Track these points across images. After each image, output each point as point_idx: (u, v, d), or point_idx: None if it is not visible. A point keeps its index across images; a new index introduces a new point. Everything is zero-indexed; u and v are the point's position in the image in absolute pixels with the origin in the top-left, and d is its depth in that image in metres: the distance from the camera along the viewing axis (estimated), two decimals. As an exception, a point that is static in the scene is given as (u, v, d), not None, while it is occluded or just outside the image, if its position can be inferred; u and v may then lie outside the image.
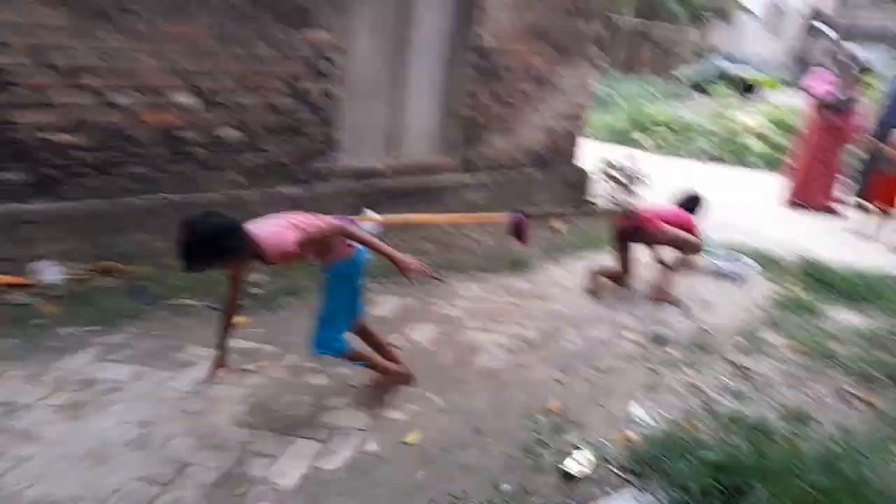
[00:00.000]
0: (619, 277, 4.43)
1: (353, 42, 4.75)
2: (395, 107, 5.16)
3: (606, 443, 2.72)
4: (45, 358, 2.97)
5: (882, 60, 18.83)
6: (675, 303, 4.24)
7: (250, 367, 3.07)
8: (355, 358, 2.82)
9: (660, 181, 6.71)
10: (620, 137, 11.03)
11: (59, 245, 3.79)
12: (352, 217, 2.91)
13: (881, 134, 6.86)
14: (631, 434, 2.78)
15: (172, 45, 3.91)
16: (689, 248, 4.27)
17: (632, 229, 4.30)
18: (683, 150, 10.11)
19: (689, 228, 4.33)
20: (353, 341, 2.85)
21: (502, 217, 4.50)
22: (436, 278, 3.53)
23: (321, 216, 2.63)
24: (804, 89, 7.50)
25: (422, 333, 3.60)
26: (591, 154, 6.77)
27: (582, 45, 5.85)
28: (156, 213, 4.08)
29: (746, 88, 14.74)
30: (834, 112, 6.98)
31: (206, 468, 2.36)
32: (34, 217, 3.71)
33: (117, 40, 3.74)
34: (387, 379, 2.99)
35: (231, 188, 4.39)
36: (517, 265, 4.73)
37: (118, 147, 3.91)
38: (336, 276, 2.68)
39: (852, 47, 7.74)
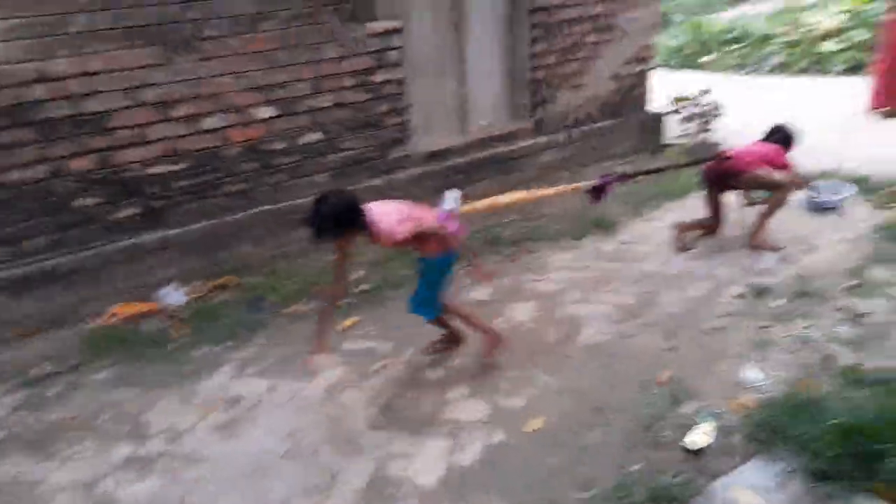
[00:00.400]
0: (711, 227, 4.35)
1: (412, 24, 4.75)
2: (460, 81, 5.16)
3: (725, 411, 2.78)
4: (190, 380, 3.28)
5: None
6: (774, 248, 4.15)
7: (374, 367, 3.29)
8: (442, 325, 3.27)
9: (738, 108, 6.44)
10: (686, 60, 10.53)
11: (174, 269, 4.12)
12: (448, 208, 3.05)
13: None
14: (749, 398, 2.82)
15: (248, 62, 4.06)
16: (787, 189, 4.14)
17: (724, 175, 4.18)
18: (757, 66, 9.54)
19: (783, 165, 4.17)
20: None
21: (582, 186, 4.45)
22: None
23: (428, 210, 2.96)
24: None
25: (523, 313, 3.71)
26: (659, 88, 6.51)
27: (642, -19, 5.61)
28: (255, 226, 4.33)
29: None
30: None
31: (354, 473, 2.59)
32: (149, 247, 4.02)
33: (198, 67, 3.91)
34: (486, 348, 3.24)
35: (320, 189, 4.55)
36: (602, 225, 4.75)
37: (214, 169, 4.14)
38: (429, 266, 3.02)
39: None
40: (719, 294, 3.73)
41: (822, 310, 3.46)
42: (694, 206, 4.58)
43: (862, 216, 4.51)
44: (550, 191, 4.41)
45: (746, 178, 4.12)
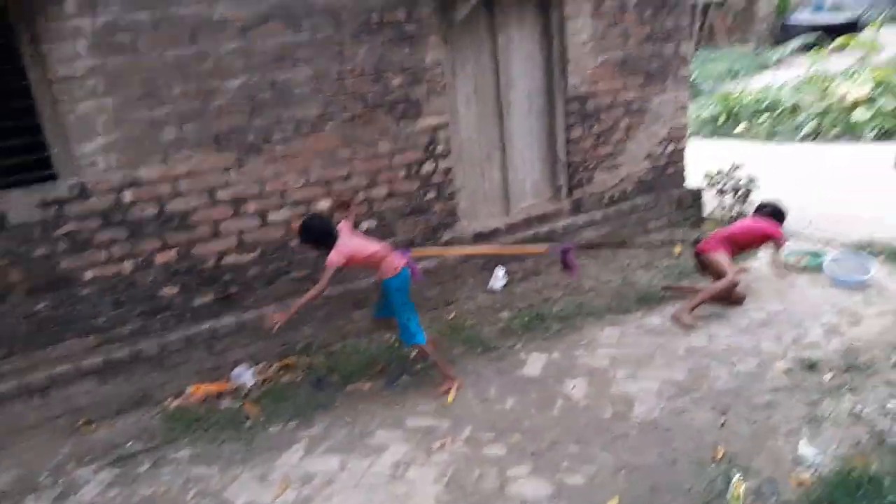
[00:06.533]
0: (727, 296, 4.60)
1: (459, 117, 5.15)
2: (503, 167, 5.50)
3: (780, 487, 2.87)
4: (265, 458, 3.51)
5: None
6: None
7: (435, 445, 3.46)
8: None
9: (774, 177, 6.62)
10: (718, 130, 10.81)
11: (246, 350, 4.42)
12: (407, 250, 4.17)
13: None
14: (804, 475, 2.91)
15: (311, 160, 4.45)
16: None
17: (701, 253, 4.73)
18: (789, 134, 9.76)
19: (763, 238, 4.68)
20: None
21: (543, 249, 4.92)
22: None
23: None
24: None
25: (576, 389, 3.87)
26: (694, 158, 6.71)
27: (671, 66, 5.95)
28: (318, 308, 4.61)
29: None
30: None
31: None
32: (225, 331, 4.34)
33: (266, 167, 4.31)
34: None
35: (376, 272, 4.87)
36: (646, 300, 4.90)
37: (281, 258, 4.48)
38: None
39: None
40: (767, 369, 3.84)
41: (872, 384, 3.54)
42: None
43: (903, 288, 4.60)
44: (503, 250, 5.03)
45: (703, 259, 4.68)
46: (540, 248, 4.98)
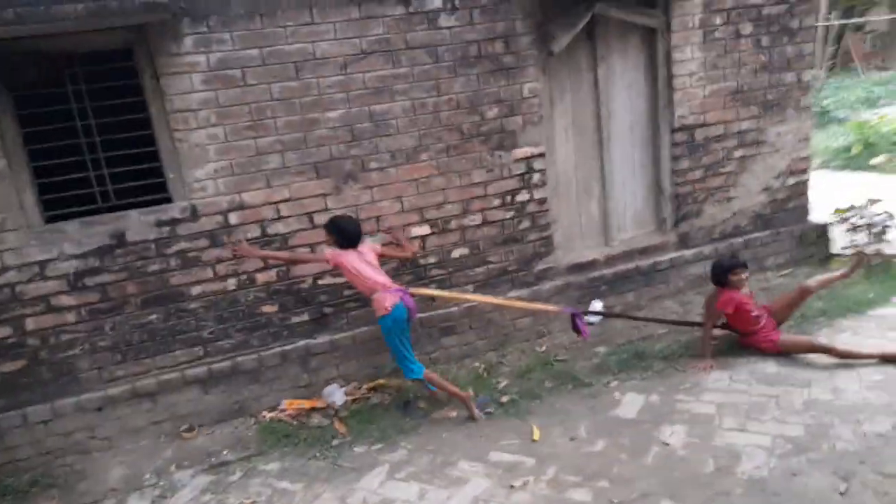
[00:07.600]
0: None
1: (556, 147, 5.04)
2: (602, 197, 5.30)
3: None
4: (347, 479, 3.52)
5: None
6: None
7: (516, 483, 3.31)
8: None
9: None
10: (852, 162, 9.90)
11: (338, 370, 4.50)
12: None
13: None
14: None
15: (406, 188, 4.51)
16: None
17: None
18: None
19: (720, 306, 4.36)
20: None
21: (555, 309, 4.48)
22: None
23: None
24: None
25: (674, 437, 3.57)
26: (823, 191, 6.14)
27: (791, 96, 5.52)
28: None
29: None
30: None
31: None
32: (319, 349, 4.45)
33: (362, 194, 4.41)
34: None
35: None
36: (760, 344, 4.49)
37: (374, 280, 4.54)
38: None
39: None
40: (902, 431, 3.36)
41: None
42: (872, 327, 4.24)
43: None
44: (514, 304, 4.50)
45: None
46: (551, 307, 4.52)
